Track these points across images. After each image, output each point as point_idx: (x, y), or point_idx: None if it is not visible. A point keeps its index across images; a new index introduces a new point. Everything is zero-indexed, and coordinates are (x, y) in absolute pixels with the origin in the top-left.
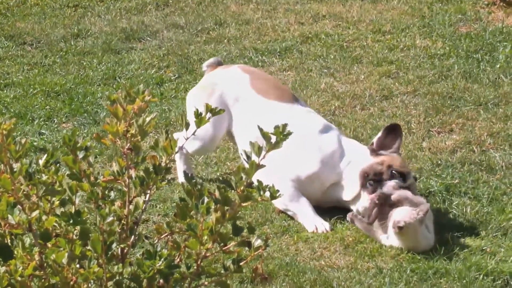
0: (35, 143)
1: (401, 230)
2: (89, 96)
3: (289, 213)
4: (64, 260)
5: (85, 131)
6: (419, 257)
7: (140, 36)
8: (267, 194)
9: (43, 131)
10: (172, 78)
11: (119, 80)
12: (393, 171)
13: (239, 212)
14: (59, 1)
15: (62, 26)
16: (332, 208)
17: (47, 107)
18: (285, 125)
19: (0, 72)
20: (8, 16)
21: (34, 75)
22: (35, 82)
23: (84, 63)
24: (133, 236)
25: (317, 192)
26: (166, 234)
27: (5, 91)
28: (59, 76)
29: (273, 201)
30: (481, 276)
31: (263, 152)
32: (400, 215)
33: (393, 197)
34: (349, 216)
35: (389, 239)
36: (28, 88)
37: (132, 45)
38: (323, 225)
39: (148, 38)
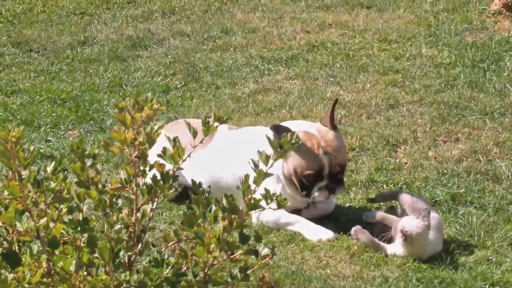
0: (41, 150)
1: (410, 238)
2: (95, 103)
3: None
4: (72, 268)
5: (92, 138)
6: (424, 267)
7: (147, 44)
8: (274, 203)
9: (50, 138)
10: (178, 86)
11: (125, 87)
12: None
13: (246, 221)
14: (66, 8)
15: (68, 33)
16: (336, 217)
17: (54, 114)
18: (293, 133)
19: (6, 79)
20: (15, 23)
21: (41, 82)
22: (41, 89)
23: (91, 71)
24: (140, 244)
25: (298, 198)
26: (173, 242)
27: (11, 98)
28: (65, 83)
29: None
30: (487, 286)
31: (271, 161)
32: (408, 224)
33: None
34: (353, 231)
35: (395, 248)
36: (35, 95)
37: (139, 53)
38: (326, 234)
39: (155, 46)
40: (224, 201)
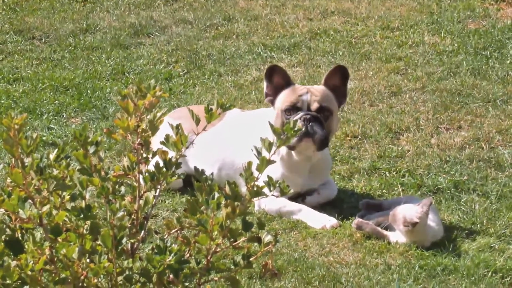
0: (44, 138)
1: (414, 226)
2: (97, 91)
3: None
4: (75, 255)
5: (94, 126)
6: (427, 254)
7: (149, 31)
8: (277, 190)
9: (52, 126)
10: (180, 73)
11: (127, 75)
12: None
13: (249, 208)
14: None
15: (71, 20)
16: (339, 205)
17: (56, 102)
18: (295, 121)
19: (9, 66)
20: (17, 10)
21: (43, 70)
22: (44, 76)
23: (93, 58)
24: (143, 231)
25: (297, 178)
26: (176, 229)
27: (14, 86)
28: (68, 71)
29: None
30: (490, 273)
31: (274, 148)
32: (409, 212)
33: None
34: (354, 223)
35: (398, 236)
36: (37, 83)
37: (141, 40)
38: (330, 221)
39: (157, 33)
40: (227, 188)
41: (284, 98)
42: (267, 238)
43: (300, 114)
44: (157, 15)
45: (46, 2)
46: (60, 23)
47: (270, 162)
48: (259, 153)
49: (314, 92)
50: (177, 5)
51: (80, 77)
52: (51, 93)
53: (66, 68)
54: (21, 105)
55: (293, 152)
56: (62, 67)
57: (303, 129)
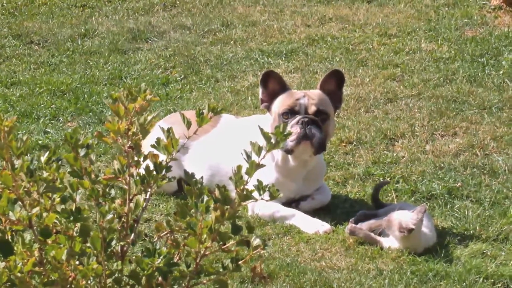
0: (40, 142)
1: (410, 232)
2: (94, 95)
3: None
4: (64, 257)
5: (90, 130)
6: (419, 259)
7: (147, 36)
8: (267, 194)
9: (48, 130)
10: (178, 78)
11: (125, 80)
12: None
13: (239, 212)
14: (67, 0)
15: (69, 25)
16: (333, 210)
17: (53, 106)
18: (285, 125)
19: (7, 70)
20: (16, 15)
21: (41, 74)
22: (41, 81)
23: (91, 63)
24: (133, 234)
25: (291, 184)
26: (165, 232)
27: (11, 90)
28: (65, 76)
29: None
30: (481, 279)
31: (263, 152)
32: (405, 218)
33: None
34: (348, 229)
35: (391, 242)
36: (34, 87)
37: (139, 46)
38: (323, 226)
39: (155, 39)
40: (217, 192)
41: (281, 102)
42: (256, 241)
43: (298, 117)
44: (155, 21)
45: (45, 7)
46: (58, 27)
47: (259, 166)
48: (249, 157)
49: (311, 96)
50: (176, 11)
51: (77, 82)
52: (48, 97)
53: (63, 72)
54: (18, 109)
55: (289, 157)
56: (60, 72)
57: (301, 132)
